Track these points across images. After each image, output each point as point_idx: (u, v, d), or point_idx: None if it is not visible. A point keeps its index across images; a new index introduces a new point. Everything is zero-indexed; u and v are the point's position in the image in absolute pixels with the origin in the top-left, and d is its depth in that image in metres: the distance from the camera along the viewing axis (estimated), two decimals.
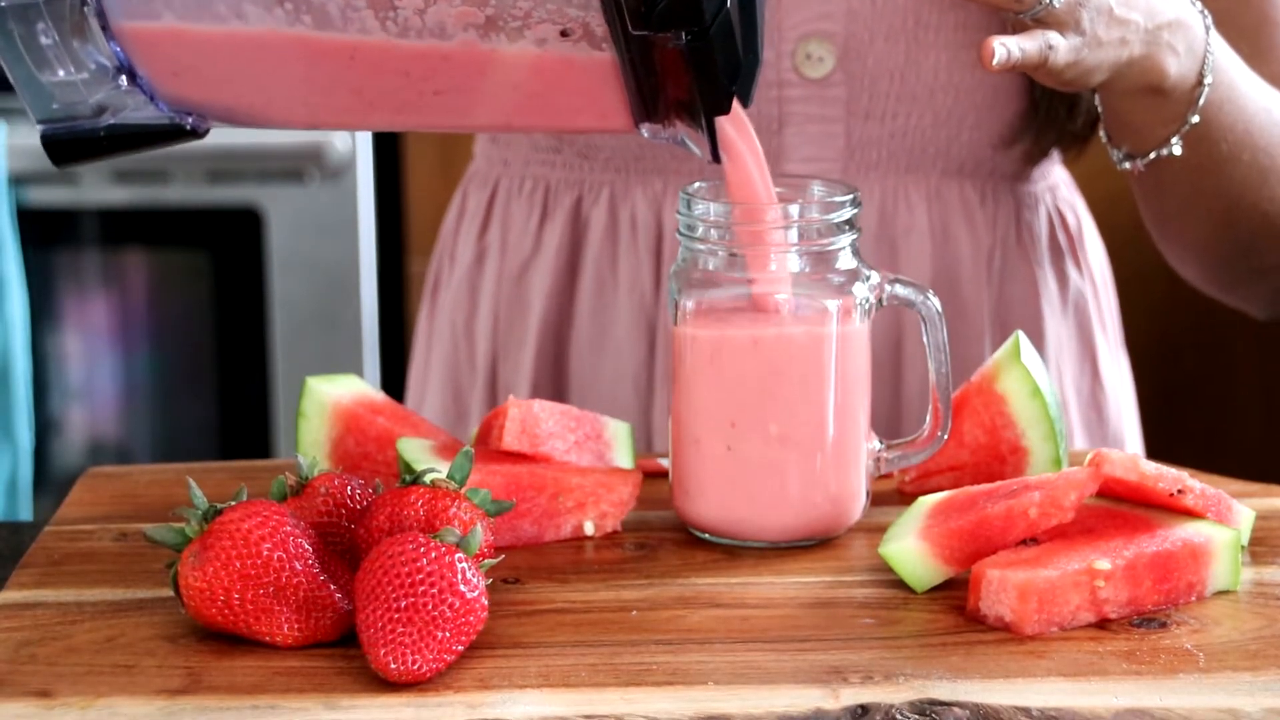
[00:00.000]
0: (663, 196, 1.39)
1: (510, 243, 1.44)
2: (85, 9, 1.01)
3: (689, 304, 1.10)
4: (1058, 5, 1.13)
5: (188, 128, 1.06)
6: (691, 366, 1.10)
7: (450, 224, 1.50)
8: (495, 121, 1.06)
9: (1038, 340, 1.41)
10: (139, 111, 1.05)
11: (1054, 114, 1.36)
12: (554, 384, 1.42)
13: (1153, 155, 1.26)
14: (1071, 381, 1.45)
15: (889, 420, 1.37)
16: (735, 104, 1.02)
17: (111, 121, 1.04)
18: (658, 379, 1.39)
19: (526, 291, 1.43)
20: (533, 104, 1.03)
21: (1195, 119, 1.23)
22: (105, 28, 1.01)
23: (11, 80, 1.03)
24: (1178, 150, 1.25)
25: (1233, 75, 1.25)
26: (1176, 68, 1.20)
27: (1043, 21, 1.14)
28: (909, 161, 1.37)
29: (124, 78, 1.03)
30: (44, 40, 1.01)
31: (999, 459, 1.16)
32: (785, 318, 1.08)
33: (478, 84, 1.01)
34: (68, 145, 1.05)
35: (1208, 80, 1.22)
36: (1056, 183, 1.46)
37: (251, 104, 1.05)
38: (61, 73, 1.02)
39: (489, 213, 1.46)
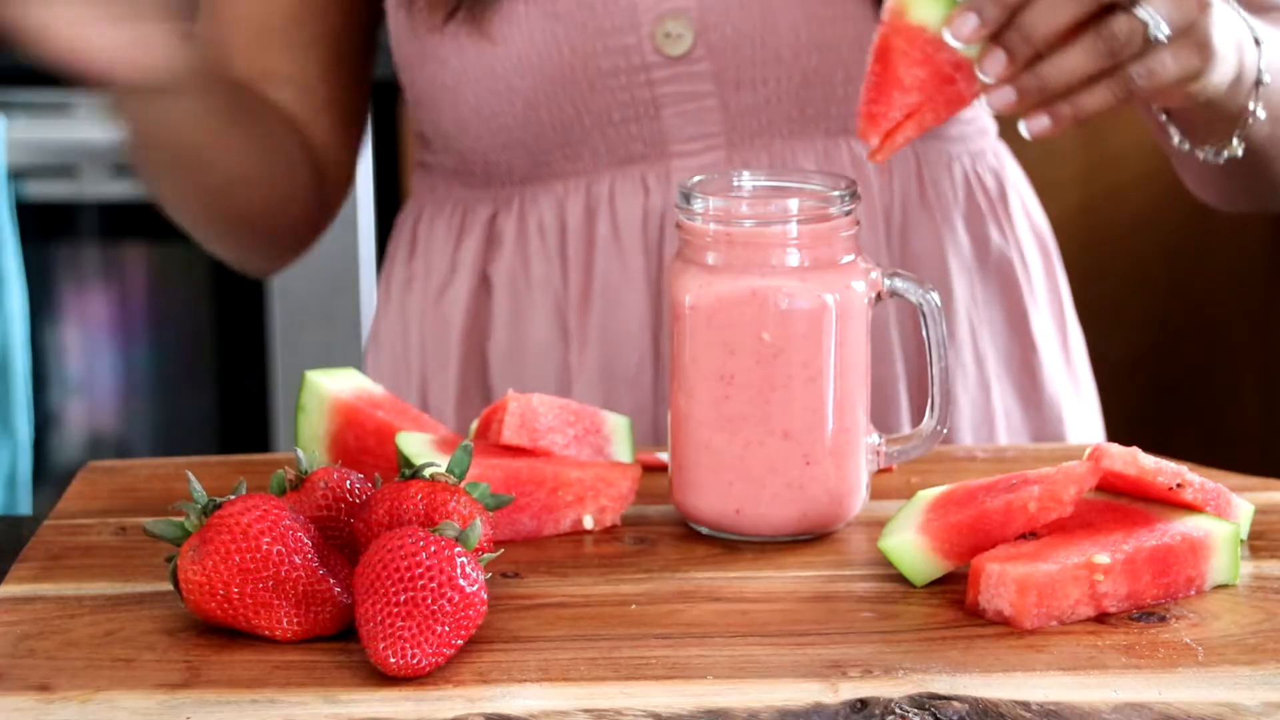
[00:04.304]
0: (564, 199, 1.40)
1: (432, 265, 1.45)
2: None
3: (687, 299, 1.09)
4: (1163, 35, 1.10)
5: None
6: (690, 361, 1.10)
7: (388, 257, 1.51)
8: None
9: (945, 295, 1.41)
10: None
11: None
12: (479, 399, 1.43)
13: (1224, 155, 1.24)
14: (991, 340, 1.44)
15: None
16: None
17: None
18: (574, 374, 1.40)
19: (445, 311, 1.44)
20: None
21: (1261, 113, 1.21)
22: None
23: None
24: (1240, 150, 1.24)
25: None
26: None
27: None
28: (791, 126, 1.37)
29: None
30: None
31: (948, 81, 1.12)
32: (787, 312, 1.08)
33: None
34: None
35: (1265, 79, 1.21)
36: (983, 150, 1.46)
37: None
38: None
39: (414, 239, 1.47)
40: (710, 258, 1.09)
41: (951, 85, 1.11)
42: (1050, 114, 1.11)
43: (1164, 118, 1.26)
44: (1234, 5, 1.19)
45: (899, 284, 1.11)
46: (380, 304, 1.53)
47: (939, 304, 1.11)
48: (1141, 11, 1.08)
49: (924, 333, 1.12)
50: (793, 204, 1.09)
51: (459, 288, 1.44)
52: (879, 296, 1.11)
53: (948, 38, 1.09)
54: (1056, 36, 1.09)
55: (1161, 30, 1.08)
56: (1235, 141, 1.23)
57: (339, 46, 1.43)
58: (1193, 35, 1.10)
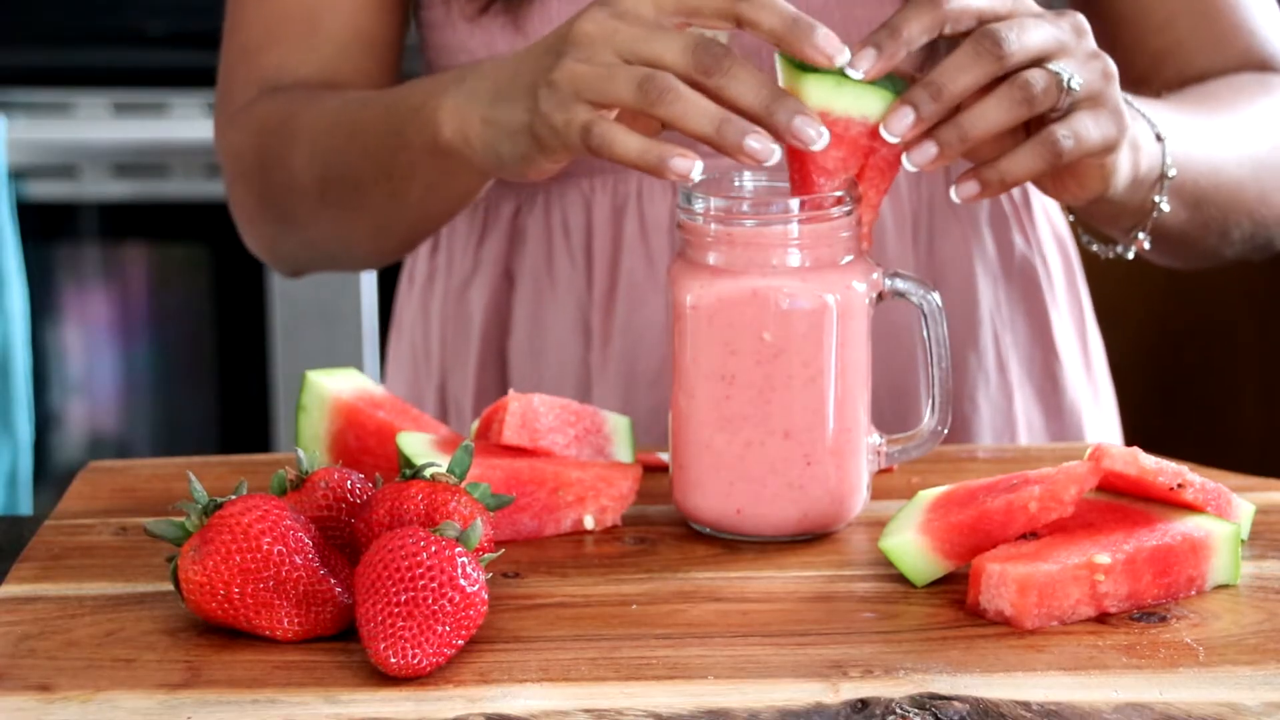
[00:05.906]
0: (591, 197, 1.39)
1: (455, 260, 1.45)
2: None
3: (688, 299, 1.09)
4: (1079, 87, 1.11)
5: None
6: (692, 361, 1.10)
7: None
8: None
9: (971, 301, 1.42)
10: None
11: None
12: (498, 396, 1.43)
13: (1131, 249, 1.27)
14: (1014, 346, 1.44)
15: None
16: None
17: None
18: (594, 373, 1.40)
19: (467, 307, 1.44)
20: None
21: (1166, 206, 1.24)
22: None
23: None
24: (1147, 244, 1.26)
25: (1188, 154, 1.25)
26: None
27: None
28: None
29: None
30: None
31: (869, 152, 1.10)
32: (788, 312, 1.08)
33: None
34: None
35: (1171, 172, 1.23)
36: None
37: None
38: None
39: (436, 234, 1.46)
40: (711, 258, 1.09)
41: (875, 154, 1.10)
42: (979, 179, 1.12)
43: (1070, 217, 1.29)
44: (1134, 101, 1.21)
45: (900, 284, 1.11)
46: (402, 296, 1.52)
47: (939, 304, 1.12)
48: (1054, 65, 1.09)
49: (924, 333, 1.12)
50: (794, 204, 1.09)
51: (481, 284, 1.43)
52: (880, 296, 1.11)
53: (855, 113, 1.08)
54: (967, 94, 1.09)
55: (1075, 81, 1.09)
56: (1142, 235, 1.26)
57: (381, 47, 1.41)
58: (1106, 101, 1.11)
